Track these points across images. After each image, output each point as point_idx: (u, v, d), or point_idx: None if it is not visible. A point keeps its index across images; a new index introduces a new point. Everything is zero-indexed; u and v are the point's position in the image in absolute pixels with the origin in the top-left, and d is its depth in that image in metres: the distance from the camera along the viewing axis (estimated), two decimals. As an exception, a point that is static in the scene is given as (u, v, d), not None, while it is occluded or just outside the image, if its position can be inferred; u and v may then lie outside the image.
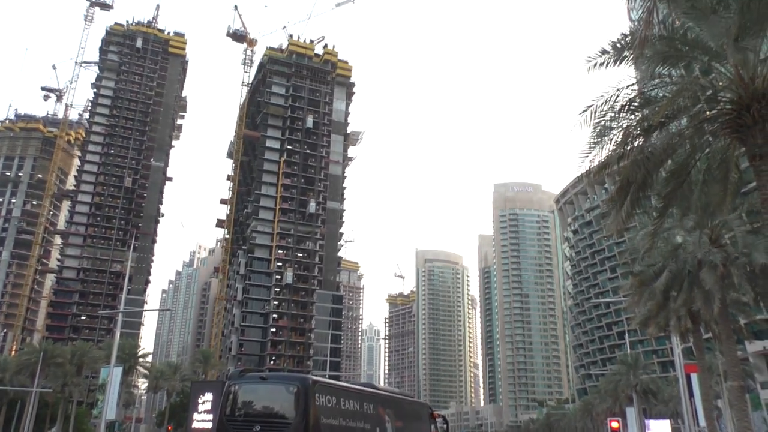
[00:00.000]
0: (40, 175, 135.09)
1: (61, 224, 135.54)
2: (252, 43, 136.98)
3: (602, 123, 11.93)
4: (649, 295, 24.39)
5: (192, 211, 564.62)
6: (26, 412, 71.20)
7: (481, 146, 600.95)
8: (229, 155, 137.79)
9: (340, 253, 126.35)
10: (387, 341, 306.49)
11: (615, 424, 27.88)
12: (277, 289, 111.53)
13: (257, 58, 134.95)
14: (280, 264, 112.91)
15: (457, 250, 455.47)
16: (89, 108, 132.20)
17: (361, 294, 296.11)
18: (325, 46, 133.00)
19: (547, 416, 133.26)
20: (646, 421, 39.28)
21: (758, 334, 55.76)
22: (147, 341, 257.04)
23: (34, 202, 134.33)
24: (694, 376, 28.75)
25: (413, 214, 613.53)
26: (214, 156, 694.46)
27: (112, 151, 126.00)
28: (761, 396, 58.76)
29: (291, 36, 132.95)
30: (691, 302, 23.12)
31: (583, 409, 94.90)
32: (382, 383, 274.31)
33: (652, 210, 14.44)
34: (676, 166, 12.38)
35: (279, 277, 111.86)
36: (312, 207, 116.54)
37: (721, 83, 11.64)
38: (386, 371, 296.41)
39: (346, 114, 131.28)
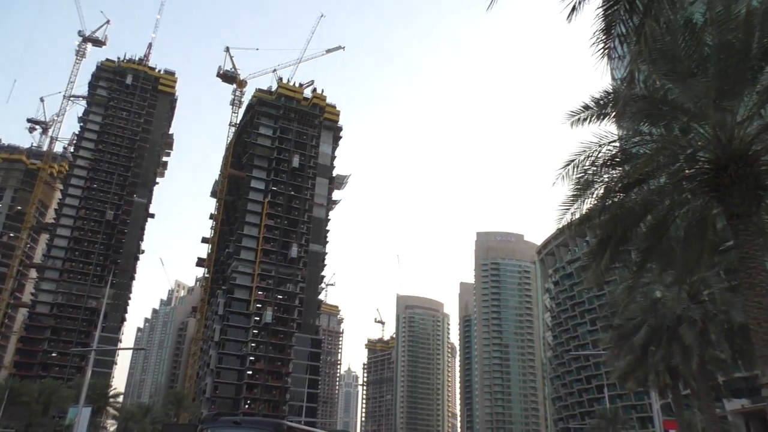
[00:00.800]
0: (19, 207, 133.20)
1: (38, 258, 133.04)
2: (242, 84, 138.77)
3: (584, 177, 12.15)
4: (628, 349, 24.43)
5: (173, 248, 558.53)
6: (-15, 452, 68.32)
7: (465, 194, 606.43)
8: (213, 194, 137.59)
9: (320, 297, 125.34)
10: (365, 388, 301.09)
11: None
12: (256, 331, 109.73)
13: (246, 99, 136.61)
14: (259, 305, 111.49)
15: (439, 297, 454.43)
16: (74, 141, 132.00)
17: (341, 338, 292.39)
18: (314, 90, 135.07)
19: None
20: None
21: (736, 393, 55.72)
22: (119, 381, 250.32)
23: (12, 234, 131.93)
24: (672, 433, 28.54)
25: (396, 260, 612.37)
26: (198, 194, 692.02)
27: (95, 185, 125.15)
28: (740, 455, 58.21)
29: (281, 79, 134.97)
30: (669, 357, 23.17)
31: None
32: (358, 431, 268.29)
33: (632, 264, 14.60)
34: (655, 222, 12.59)
35: (258, 318, 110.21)
36: (294, 251, 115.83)
37: (699, 143, 11.95)
38: (363, 418, 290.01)
39: (332, 157, 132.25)
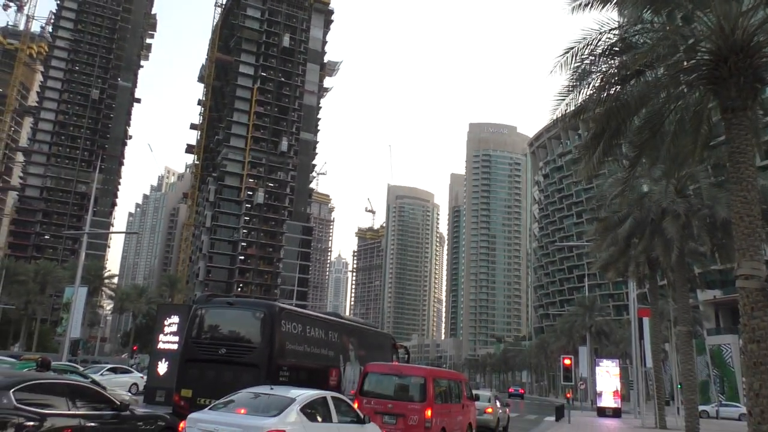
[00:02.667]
0: (0, 89, 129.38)
1: (23, 141, 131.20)
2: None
3: (581, 67, 11.83)
4: (612, 241, 25.05)
5: (161, 134, 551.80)
6: (-11, 328, 71.06)
7: (459, 85, 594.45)
8: (201, 79, 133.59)
9: (311, 185, 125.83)
10: (354, 274, 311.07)
11: (567, 361, 29.16)
12: (247, 218, 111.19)
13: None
14: (250, 193, 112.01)
15: (430, 188, 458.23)
16: (52, 21, 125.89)
17: (331, 226, 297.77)
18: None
19: (504, 351, 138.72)
20: (596, 360, 41.12)
21: (710, 284, 58.21)
22: (113, 264, 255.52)
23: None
24: (645, 320, 30.04)
25: (388, 150, 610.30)
26: (184, 79, 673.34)
27: (77, 67, 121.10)
28: (706, 342, 61.93)
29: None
30: (651, 249, 23.86)
31: (538, 347, 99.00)
32: (347, 314, 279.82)
33: (623, 158, 14.61)
34: (650, 116, 12.45)
35: (249, 205, 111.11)
36: (284, 145, 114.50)
37: (701, 32, 11.58)
38: (352, 303, 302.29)
39: (324, 42, 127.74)
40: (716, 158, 23.36)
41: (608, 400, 35.96)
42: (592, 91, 12.04)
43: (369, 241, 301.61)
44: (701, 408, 35.86)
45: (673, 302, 35.50)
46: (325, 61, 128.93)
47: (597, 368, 38.44)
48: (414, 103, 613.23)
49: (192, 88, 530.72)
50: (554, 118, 13.04)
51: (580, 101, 12.26)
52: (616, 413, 35.17)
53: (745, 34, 10.79)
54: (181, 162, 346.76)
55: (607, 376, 36.82)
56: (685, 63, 12.06)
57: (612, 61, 12.00)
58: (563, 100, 12.18)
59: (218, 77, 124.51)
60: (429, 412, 12.90)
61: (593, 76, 12.03)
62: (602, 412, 35.37)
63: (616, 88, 12.10)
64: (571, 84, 12.03)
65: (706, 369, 60.62)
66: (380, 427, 11.47)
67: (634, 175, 14.61)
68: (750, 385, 9.88)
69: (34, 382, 7.97)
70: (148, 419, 9.59)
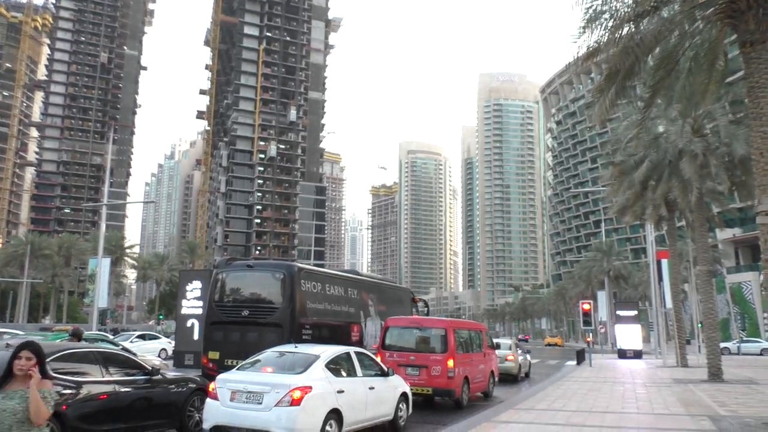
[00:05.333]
0: (8, 65, 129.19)
1: (36, 116, 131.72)
2: None
3: (594, 6, 11.51)
4: (628, 185, 24.78)
5: (170, 102, 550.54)
6: (19, 301, 72.93)
7: (468, 35, 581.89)
8: (207, 43, 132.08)
9: (322, 145, 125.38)
10: (370, 231, 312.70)
11: (587, 306, 29.25)
12: (261, 181, 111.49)
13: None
14: (262, 154, 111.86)
15: (441, 141, 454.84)
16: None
17: (344, 185, 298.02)
18: None
19: (522, 300, 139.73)
20: (616, 311, 41.17)
21: (729, 223, 57.61)
22: (133, 233, 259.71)
23: (5, 93, 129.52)
24: (664, 262, 29.96)
25: (397, 106, 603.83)
26: (190, 44, 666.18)
27: (83, 38, 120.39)
28: (726, 281, 61.84)
29: None
30: (668, 191, 23.59)
31: (556, 294, 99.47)
32: (365, 270, 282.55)
33: (637, 100, 14.34)
34: (665, 54, 12.14)
35: (262, 168, 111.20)
36: (293, 106, 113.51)
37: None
38: (369, 260, 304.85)
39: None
40: (734, 95, 22.85)
41: (628, 343, 36.25)
42: (605, 32, 11.73)
43: (383, 198, 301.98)
44: (723, 345, 36.04)
45: (692, 243, 35.31)
46: (330, 17, 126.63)
47: (617, 325, 38.31)
48: (422, 56, 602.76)
49: (198, 52, 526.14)
50: (566, 63, 12.78)
51: (593, 42, 11.97)
52: (637, 354, 35.49)
53: (764, -38, 10.38)
54: (193, 128, 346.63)
55: (628, 329, 36.79)
56: (701, -3, 11.67)
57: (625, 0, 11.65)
58: (575, 42, 11.90)
59: (224, 40, 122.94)
60: (451, 362, 13.13)
61: (605, 16, 11.70)
62: (623, 354, 35.71)
63: (630, 27, 11.78)
64: (583, 25, 11.73)
65: (726, 307, 60.70)
66: (404, 378, 11.70)
67: (649, 116, 14.35)
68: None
69: (68, 351, 8.21)
70: (180, 382, 9.87)
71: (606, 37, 11.64)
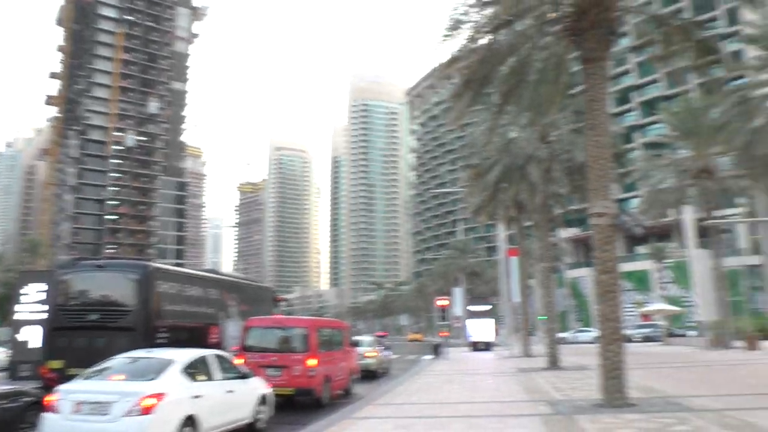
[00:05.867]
0: None
1: None
2: None
3: (455, 17, 12.08)
4: (483, 187, 26.35)
5: (15, 84, 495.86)
6: None
7: (342, 34, 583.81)
8: (60, 22, 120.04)
9: (183, 138, 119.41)
10: (235, 229, 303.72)
11: (442, 302, 30.79)
12: (116, 175, 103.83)
13: None
14: (118, 144, 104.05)
15: (313, 140, 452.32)
16: None
17: (205, 181, 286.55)
18: None
19: (385, 297, 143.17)
20: (469, 310, 43.72)
21: (570, 223, 63.32)
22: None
23: None
24: (513, 259, 32.17)
25: (268, 102, 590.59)
26: (43, 22, 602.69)
27: None
28: (566, 275, 67.90)
29: None
30: (518, 193, 25.40)
31: (417, 290, 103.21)
32: (228, 270, 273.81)
33: (493, 107, 15.22)
34: (517, 65, 13.02)
35: (118, 161, 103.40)
36: (155, 98, 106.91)
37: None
38: (234, 258, 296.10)
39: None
40: (575, 106, 25.10)
41: (479, 335, 38.71)
42: (465, 40, 12.36)
43: (249, 195, 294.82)
44: (561, 335, 39.44)
45: (537, 241, 38.28)
46: (195, 5, 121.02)
47: (468, 320, 40.76)
48: (295, 54, 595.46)
49: (52, 32, 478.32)
50: (433, 67, 13.31)
51: (456, 51, 12.56)
52: (488, 347, 37.94)
53: (606, -14, 11.46)
54: (41, 115, 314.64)
55: (479, 323, 39.40)
56: (552, 14, 12.65)
57: (484, 11, 12.34)
58: (438, 48, 12.42)
59: (78, 20, 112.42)
60: (311, 362, 13.10)
61: (467, 25, 12.33)
62: (475, 347, 38.02)
63: (487, 37, 12.50)
64: (446, 33, 12.26)
65: (565, 300, 66.63)
66: (266, 379, 11.50)
67: (500, 122, 15.25)
68: (601, 311, 11.00)
69: None
70: (10, 396, 8.89)
71: (466, 45, 12.27)
